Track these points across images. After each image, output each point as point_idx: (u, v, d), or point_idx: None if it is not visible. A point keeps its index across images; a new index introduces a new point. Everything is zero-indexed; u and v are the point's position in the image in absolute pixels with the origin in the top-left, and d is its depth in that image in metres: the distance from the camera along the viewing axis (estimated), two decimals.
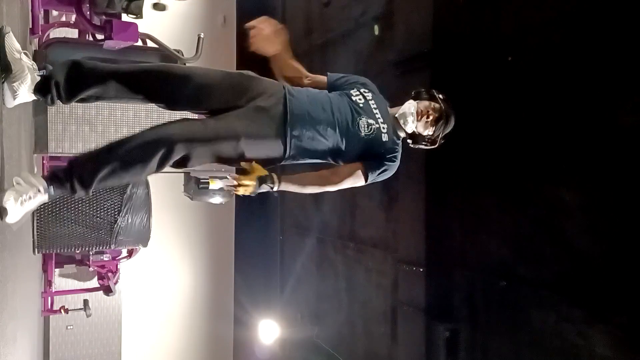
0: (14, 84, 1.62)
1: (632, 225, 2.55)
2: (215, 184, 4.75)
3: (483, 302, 3.47)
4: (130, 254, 5.22)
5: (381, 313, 4.57)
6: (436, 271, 3.81)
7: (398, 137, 2.13)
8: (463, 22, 3.61)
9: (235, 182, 1.83)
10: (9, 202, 1.50)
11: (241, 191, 1.84)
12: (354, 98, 2.05)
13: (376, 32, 4.63)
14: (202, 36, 3.81)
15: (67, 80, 1.73)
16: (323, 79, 2.18)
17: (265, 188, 1.87)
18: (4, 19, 1.67)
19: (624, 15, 2.58)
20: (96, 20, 3.39)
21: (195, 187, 4.76)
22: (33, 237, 3.04)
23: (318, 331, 5.65)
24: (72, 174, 1.66)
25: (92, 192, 1.70)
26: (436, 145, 2.16)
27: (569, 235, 2.85)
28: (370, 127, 2.00)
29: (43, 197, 1.63)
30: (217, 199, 4.93)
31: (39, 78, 1.69)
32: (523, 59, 3.16)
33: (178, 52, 3.72)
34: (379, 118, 2.03)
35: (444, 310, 3.73)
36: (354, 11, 5.01)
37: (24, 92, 1.66)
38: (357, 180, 2.04)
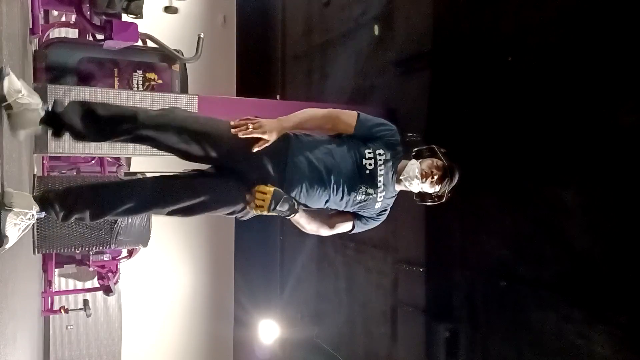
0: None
1: (632, 225, 2.55)
2: None
3: (483, 302, 3.47)
4: (130, 254, 5.23)
5: (381, 313, 4.57)
6: (436, 271, 3.81)
7: (395, 194, 2.15)
8: (463, 22, 3.61)
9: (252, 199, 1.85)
10: (11, 230, 1.54)
11: (256, 210, 1.85)
12: (364, 162, 2.00)
13: (376, 32, 4.64)
14: (202, 36, 3.81)
15: (84, 124, 1.74)
16: (351, 121, 2.02)
17: (284, 206, 1.86)
18: (4, 19, 1.67)
19: (623, 15, 2.58)
20: (96, 20, 3.39)
21: None
22: (33, 237, 3.04)
23: (318, 331, 5.65)
24: (68, 210, 1.74)
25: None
26: (443, 200, 2.17)
27: (569, 235, 2.85)
28: (367, 195, 2.02)
29: (33, 221, 1.67)
30: None
31: (43, 113, 1.67)
32: (523, 59, 3.16)
33: (178, 52, 3.72)
34: (379, 187, 2.03)
35: (444, 310, 3.73)
36: (354, 11, 5.01)
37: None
38: (346, 228, 2.14)
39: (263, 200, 1.82)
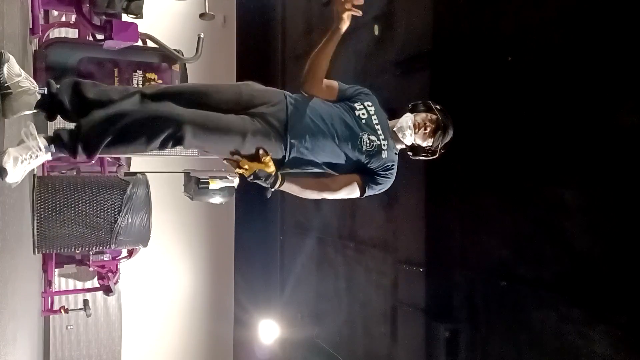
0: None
1: (632, 225, 2.55)
2: (215, 184, 4.76)
3: (483, 302, 3.47)
4: (130, 254, 5.23)
5: (381, 313, 4.57)
6: (436, 271, 3.81)
7: (396, 150, 2.16)
8: (463, 22, 3.61)
9: (239, 161, 1.87)
10: (9, 163, 1.51)
11: (239, 170, 1.88)
12: (357, 112, 2.07)
13: (376, 32, 4.63)
14: (202, 36, 3.81)
15: (71, 101, 1.73)
16: (335, 85, 2.17)
17: (261, 179, 1.89)
18: (4, 19, 1.67)
19: (623, 15, 2.58)
20: (96, 20, 3.39)
21: (195, 187, 4.76)
22: (33, 237, 3.04)
23: (318, 331, 5.65)
24: (77, 139, 1.66)
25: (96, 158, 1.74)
26: (436, 156, 2.20)
27: (569, 235, 2.85)
28: (372, 143, 2.04)
29: (44, 157, 1.64)
30: (217, 199, 4.93)
31: (39, 96, 1.68)
32: (523, 59, 3.16)
33: (178, 52, 3.72)
34: (380, 134, 2.06)
35: (444, 310, 3.73)
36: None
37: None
38: (353, 191, 2.09)
39: (246, 169, 1.86)
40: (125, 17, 3.21)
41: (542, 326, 3.01)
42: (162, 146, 1.74)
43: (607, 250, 2.68)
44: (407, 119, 2.12)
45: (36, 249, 3.11)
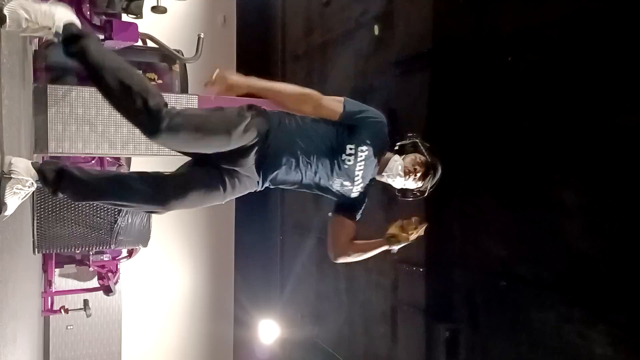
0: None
1: (632, 225, 2.55)
2: None
3: (483, 302, 3.47)
4: (130, 254, 5.23)
5: (381, 313, 4.56)
6: (436, 271, 3.81)
7: (371, 185, 2.18)
8: (463, 22, 3.61)
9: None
10: (10, 199, 1.53)
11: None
12: (343, 157, 1.99)
13: (376, 32, 4.63)
14: (202, 36, 3.81)
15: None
16: (335, 108, 2.03)
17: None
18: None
19: (624, 14, 2.58)
20: (96, 20, 3.39)
21: None
22: (33, 237, 3.04)
23: (318, 331, 5.65)
24: (60, 185, 1.70)
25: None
26: (425, 195, 2.21)
27: (569, 235, 2.85)
28: (343, 187, 2.06)
29: (33, 189, 1.66)
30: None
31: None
32: (523, 59, 3.16)
33: (178, 52, 3.72)
34: (356, 182, 2.06)
35: (444, 310, 3.73)
36: (354, 11, 5.01)
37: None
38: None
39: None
40: (125, 17, 3.21)
41: (542, 326, 3.00)
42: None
43: (607, 250, 2.68)
44: (397, 164, 2.06)
45: (36, 249, 3.12)
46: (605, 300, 2.66)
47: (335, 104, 2.01)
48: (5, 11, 1.42)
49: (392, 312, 4.35)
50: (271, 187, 2.04)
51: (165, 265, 7.30)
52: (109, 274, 5.34)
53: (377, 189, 2.35)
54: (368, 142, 2.00)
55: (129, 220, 3.34)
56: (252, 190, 2.01)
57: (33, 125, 3.14)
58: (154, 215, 3.65)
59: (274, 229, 6.78)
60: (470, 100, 3.49)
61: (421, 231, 2.13)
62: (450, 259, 3.71)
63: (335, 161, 1.98)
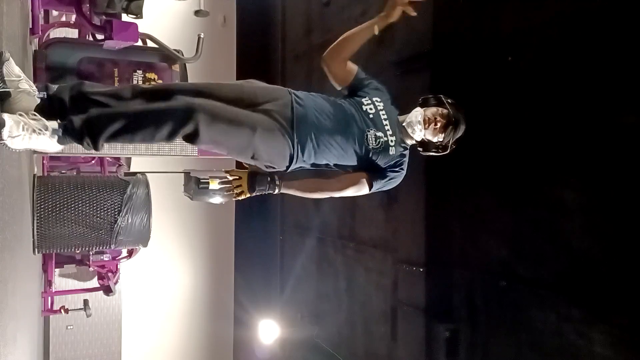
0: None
1: (632, 225, 2.55)
2: (215, 184, 4.75)
3: (483, 302, 3.47)
4: (130, 254, 5.22)
5: (381, 313, 4.57)
6: (436, 271, 3.81)
7: (406, 146, 2.11)
8: (463, 22, 3.61)
9: (230, 187, 1.91)
10: (8, 120, 1.43)
11: (238, 195, 1.92)
12: (364, 107, 2.01)
13: (376, 32, 4.62)
14: (202, 36, 3.81)
15: (72, 101, 1.65)
16: (354, 69, 2.13)
17: (260, 192, 1.92)
18: (4, 19, 1.67)
19: (624, 14, 2.58)
20: (96, 20, 3.39)
21: (195, 187, 4.74)
22: (33, 237, 3.03)
23: (318, 331, 5.65)
24: (83, 130, 1.57)
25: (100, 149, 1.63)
26: (447, 151, 2.12)
27: (569, 235, 2.85)
28: (378, 140, 1.98)
29: (47, 139, 1.54)
30: (217, 199, 4.91)
31: (39, 100, 1.61)
32: (523, 59, 3.16)
33: (178, 52, 3.72)
34: (387, 130, 2.01)
35: (444, 310, 3.73)
36: (354, 11, 5.01)
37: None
38: (361, 189, 2.04)
39: (240, 185, 1.89)
40: (125, 17, 3.21)
41: (542, 326, 3.01)
42: (171, 136, 1.62)
43: (607, 250, 2.68)
44: (417, 113, 2.06)
45: (36, 249, 3.11)
46: (605, 300, 2.66)
47: (352, 65, 2.12)
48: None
49: (392, 312, 4.35)
50: (304, 152, 1.89)
51: (165, 265, 7.30)
52: (109, 274, 5.34)
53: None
54: (378, 95, 2.07)
55: (129, 220, 3.34)
56: (283, 157, 1.87)
57: None
58: (154, 214, 3.64)
59: (274, 229, 6.78)
60: (470, 100, 3.48)
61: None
62: (450, 259, 3.71)
63: (360, 114, 1.98)
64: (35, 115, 1.52)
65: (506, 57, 3.23)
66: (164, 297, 7.38)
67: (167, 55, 3.69)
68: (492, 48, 3.37)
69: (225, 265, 7.59)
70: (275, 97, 1.88)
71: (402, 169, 2.08)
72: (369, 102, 2.03)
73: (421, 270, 3.87)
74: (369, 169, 2.03)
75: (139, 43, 3.60)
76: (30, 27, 3.19)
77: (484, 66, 3.44)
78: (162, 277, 7.33)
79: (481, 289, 3.48)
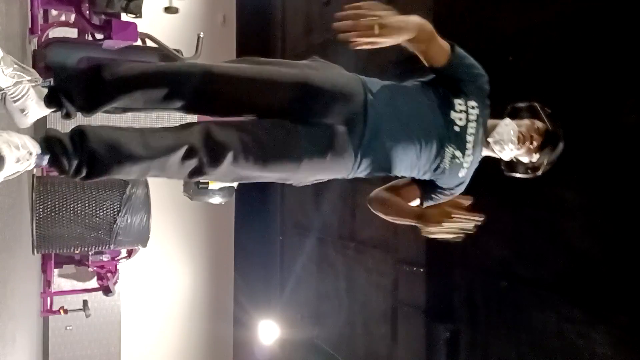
0: (17, 102, 1.35)
1: (632, 225, 2.55)
2: (215, 184, 4.75)
3: (483, 302, 3.46)
4: (129, 254, 5.22)
5: (381, 313, 4.56)
6: (436, 271, 3.81)
7: (478, 162, 1.72)
8: (463, 22, 3.61)
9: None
10: (9, 155, 1.17)
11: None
12: (452, 115, 1.55)
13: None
14: (201, 36, 3.80)
15: (81, 89, 1.40)
16: (445, 50, 1.60)
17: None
18: (4, 19, 1.66)
19: (624, 14, 2.58)
20: (95, 20, 3.39)
21: (195, 187, 4.75)
22: (32, 237, 3.03)
23: (318, 331, 5.65)
24: (83, 160, 1.27)
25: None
26: (539, 173, 1.77)
27: (569, 235, 2.85)
28: (453, 161, 1.57)
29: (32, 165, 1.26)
30: (216, 199, 4.92)
31: (45, 90, 1.41)
32: (523, 59, 3.16)
33: (178, 52, 3.71)
34: (467, 150, 1.58)
35: (444, 310, 3.72)
36: None
37: (34, 107, 1.39)
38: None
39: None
40: (124, 17, 3.21)
41: (542, 326, 3.00)
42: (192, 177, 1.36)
43: (607, 250, 2.68)
44: (509, 128, 1.66)
45: (35, 249, 3.11)
46: (606, 301, 2.66)
47: (443, 43, 1.55)
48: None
49: (392, 312, 4.35)
50: (364, 170, 1.54)
51: (165, 265, 7.29)
52: (108, 274, 5.33)
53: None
54: (475, 97, 1.61)
55: (128, 221, 3.34)
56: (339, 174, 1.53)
57: (32, 125, 3.13)
58: (153, 214, 3.64)
59: (274, 229, 6.78)
60: None
61: (466, 223, 1.51)
62: (450, 259, 3.71)
63: (444, 122, 1.51)
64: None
65: (507, 57, 3.23)
66: (163, 297, 7.38)
67: (166, 55, 3.68)
68: (493, 48, 3.37)
69: (224, 266, 7.58)
70: (345, 94, 1.47)
71: (459, 189, 1.72)
72: (463, 107, 1.58)
73: (421, 270, 3.86)
74: (420, 181, 1.67)
75: (139, 43, 3.60)
76: (30, 26, 3.18)
77: (485, 66, 3.42)
78: (162, 278, 7.32)
79: (481, 289, 3.48)
